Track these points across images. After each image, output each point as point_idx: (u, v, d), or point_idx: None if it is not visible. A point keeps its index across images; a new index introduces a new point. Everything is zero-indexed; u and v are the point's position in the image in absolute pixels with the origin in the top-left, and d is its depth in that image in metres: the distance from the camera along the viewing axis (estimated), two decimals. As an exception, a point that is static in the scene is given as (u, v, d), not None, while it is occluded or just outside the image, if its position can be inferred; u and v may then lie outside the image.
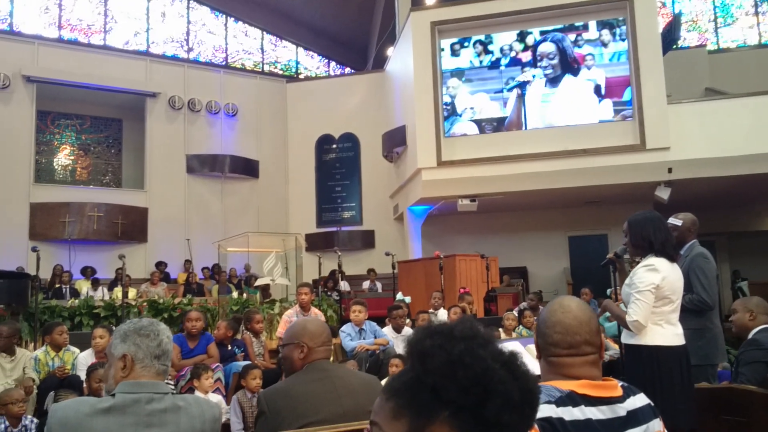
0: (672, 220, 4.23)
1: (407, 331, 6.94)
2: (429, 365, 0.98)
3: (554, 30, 12.58)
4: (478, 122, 12.82)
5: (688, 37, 17.66)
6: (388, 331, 6.84)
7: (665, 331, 3.36)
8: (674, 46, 14.53)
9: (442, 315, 7.88)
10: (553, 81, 12.52)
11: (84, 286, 11.51)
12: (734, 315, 4.04)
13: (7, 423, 4.48)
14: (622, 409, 1.70)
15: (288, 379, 2.60)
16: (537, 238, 14.81)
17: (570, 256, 14.86)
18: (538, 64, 12.58)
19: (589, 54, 12.39)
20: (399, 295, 8.94)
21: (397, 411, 0.98)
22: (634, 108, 11.96)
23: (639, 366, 3.36)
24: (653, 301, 3.34)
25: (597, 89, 12.28)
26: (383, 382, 4.54)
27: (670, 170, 11.48)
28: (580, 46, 12.43)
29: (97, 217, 13.92)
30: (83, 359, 5.71)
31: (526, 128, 12.60)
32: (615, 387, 1.74)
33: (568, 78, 12.43)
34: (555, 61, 12.52)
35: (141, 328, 2.12)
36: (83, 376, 5.33)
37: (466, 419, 0.94)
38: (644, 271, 3.40)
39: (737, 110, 11.77)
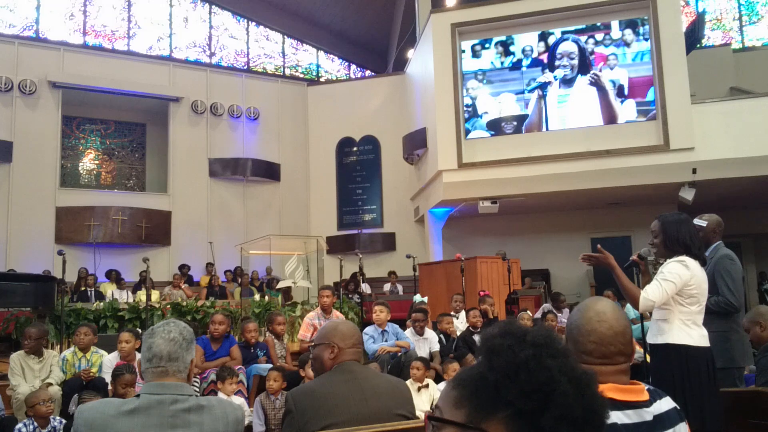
0: (697, 222, 4.18)
1: (429, 333, 6.95)
2: (494, 363, 1.00)
3: (576, 30, 12.50)
4: (498, 124, 12.77)
5: (712, 36, 17.43)
6: (409, 333, 6.84)
7: (692, 332, 3.33)
8: (698, 45, 14.36)
9: (463, 317, 7.86)
10: (570, 82, 12.42)
11: (109, 289, 11.65)
12: (749, 334, 4.01)
13: (35, 424, 4.54)
14: (648, 414, 1.68)
15: (315, 380, 2.63)
16: (559, 240, 14.70)
17: (593, 258, 14.71)
18: (558, 62, 12.50)
19: (612, 54, 12.29)
20: (417, 297, 8.93)
21: (459, 401, 1.00)
22: (657, 108, 11.84)
23: (667, 366, 3.32)
24: (673, 293, 3.31)
25: (620, 89, 12.18)
26: (408, 382, 4.53)
27: (694, 171, 11.33)
28: (607, 46, 12.32)
29: (122, 221, 14.09)
30: (108, 362, 5.77)
31: (547, 129, 12.52)
32: (641, 391, 1.73)
33: (584, 78, 12.34)
34: (575, 62, 12.43)
35: (147, 334, 2.17)
36: (108, 379, 5.39)
37: (523, 424, 0.95)
38: (676, 263, 3.37)
39: (763, 109, 11.59)
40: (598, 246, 3.75)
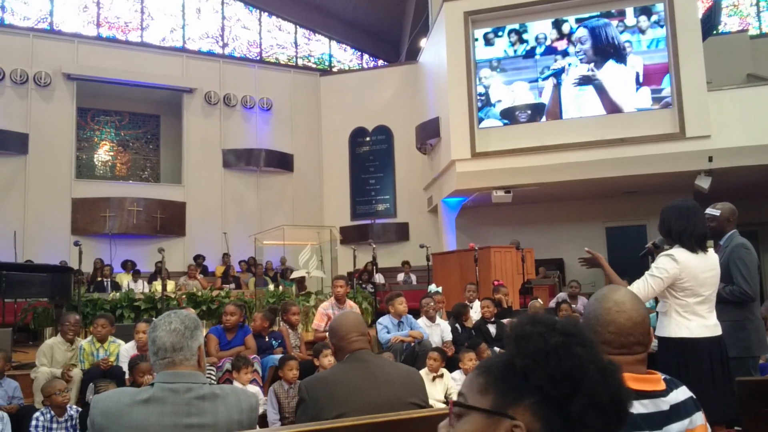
0: (710, 210, 4.14)
1: (441, 321, 6.98)
2: (524, 349, 1.01)
3: (591, 17, 12.37)
4: (512, 112, 12.69)
5: (728, 22, 17.21)
6: (422, 321, 6.86)
7: (690, 323, 3.31)
8: (714, 32, 14.16)
9: (477, 307, 7.86)
10: (598, 67, 12.32)
11: (124, 280, 11.75)
12: (767, 322, 3.98)
13: (52, 413, 4.61)
14: (665, 403, 1.68)
15: (329, 369, 2.72)
16: (574, 229, 14.64)
17: (608, 247, 14.63)
18: (574, 51, 12.38)
19: (627, 41, 12.16)
20: (432, 287, 8.94)
21: (485, 387, 1.01)
22: (673, 96, 11.71)
23: (667, 358, 3.35)
24: (661, 288, 3.30)
25: (635, 77, 12.06)
26: (421, 373, 4.56)
27: (710, 159, 11.22)
28: (621, 33, 12.18)
29: (137, 212, 14.18)
30: (125, 351, 5.84)
31: (562, 117, 12.43)
32: (658, 381, 1.73)
33: (606, 65, 12.22)
34: (587, 46, 12.29)
35: (150, 328, 2.19)
36: (125, 368, 5.45)
37: (549, 410, 0.96)
38: (663, 257, 3.37)
39: (781, 97, 11.45)
40: (586, 249, 3.78)
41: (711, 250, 3.48)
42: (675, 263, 3.31)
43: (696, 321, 3.31)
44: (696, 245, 3.39)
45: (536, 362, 0.98)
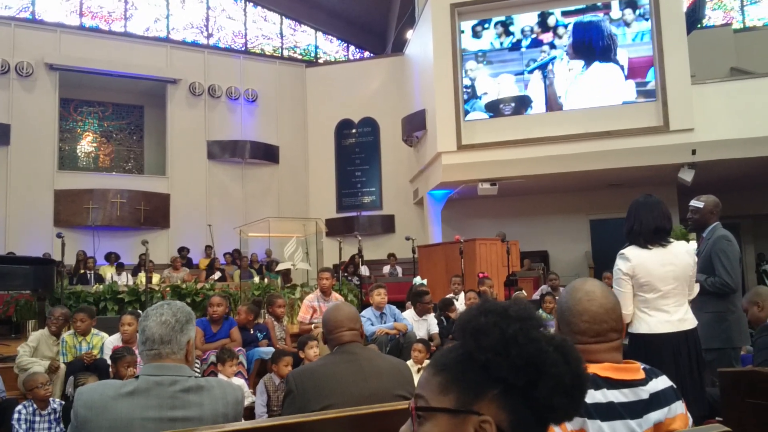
0: (693, 203, 4.19)
1: (428, 315, 6.98)
2: (483, 342, 0.98)
3: (576, 10, 12.39)
4: (497, 105, 12.70)
5: (713, 16, 17.31)
6: (409, 314, 6.85)
7: (651, 319, 3.32)
8: (699, 26, 14.25)
9: (462, 299, 7.89)
10: (576, 62, 12.35)
11: (108, 272, 11.67)
12: (747, 314, 4.03)
13: (35, 406, 4.57)
14: (644, 392, 1.70)
15: (317, 360, 2.73)
16: (558, 222, 14.71)
17: (592, 240, 14.74)
18: (560, 45, 12.41)
19: (613, 34, 12.20)
20: (417, 279, 8.95)
21: (445, 386, 0.99)
22: (657, 89, 11.78)
23: (631, 353, 3.37)
24: (628, 286, 3.34)
25: (620, 70, 12.10)
26: (409, 363, 4.57)
27: (694, 152, 11.30)
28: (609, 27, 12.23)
29: (120, 204, 14.07)
30: (110, 344, 5.79)
31: (547, 110, 12.46)
32: (637, 370, 1.75)
33: (592, 59, 12.25)
34: (570, 41, 12.33)
35: (142, 317, 2.18)
36: (110, 361, 5.41)
37: (515, 399, 0.95)
38: (618, 258, 3.41)
39: (764, 90, 11.52)
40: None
41: (677, 243, 3.46)
42: (627, 261, 3.34)
43: (658, 316, 3.31)
44: (646, 241, 3.37)
45: (498, 354, 0.96)
